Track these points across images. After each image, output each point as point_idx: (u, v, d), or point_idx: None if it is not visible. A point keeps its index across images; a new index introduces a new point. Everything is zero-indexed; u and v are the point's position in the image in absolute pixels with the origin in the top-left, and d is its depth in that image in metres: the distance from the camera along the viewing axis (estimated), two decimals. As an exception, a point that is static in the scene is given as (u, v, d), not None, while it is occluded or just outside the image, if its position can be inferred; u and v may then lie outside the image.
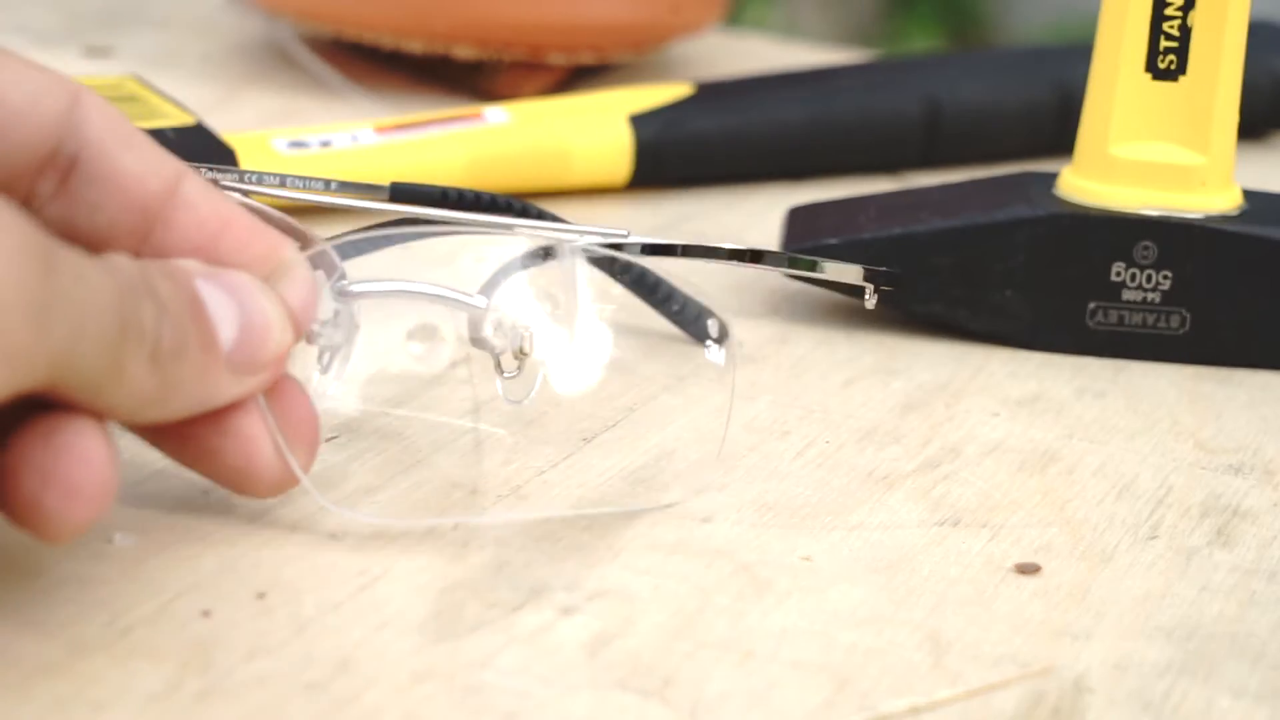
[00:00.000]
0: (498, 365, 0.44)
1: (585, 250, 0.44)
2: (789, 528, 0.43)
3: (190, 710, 0.34)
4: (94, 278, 0.34)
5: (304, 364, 0.41)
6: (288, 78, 0.74)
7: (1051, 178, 0.54)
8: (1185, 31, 0.52)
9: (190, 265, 0.38)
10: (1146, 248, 0.52)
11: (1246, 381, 0.52)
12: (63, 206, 0.38)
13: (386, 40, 0.72)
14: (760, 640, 0.38)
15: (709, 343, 0.45)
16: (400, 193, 0.50)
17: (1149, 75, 0.52)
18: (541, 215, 0.50)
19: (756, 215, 0.63)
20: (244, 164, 0.58)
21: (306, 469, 0.39)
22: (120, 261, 0.36)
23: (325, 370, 0.42)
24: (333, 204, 0.48)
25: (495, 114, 0.64)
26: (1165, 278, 0.53)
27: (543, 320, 0.44)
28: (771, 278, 0.56)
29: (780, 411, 0.49)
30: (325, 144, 0.61)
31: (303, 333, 0.40)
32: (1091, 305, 0.53)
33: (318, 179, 0.48)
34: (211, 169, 0.44)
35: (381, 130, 0.62)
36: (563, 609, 0.39)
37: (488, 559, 0.40)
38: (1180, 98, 0.52)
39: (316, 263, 0.41)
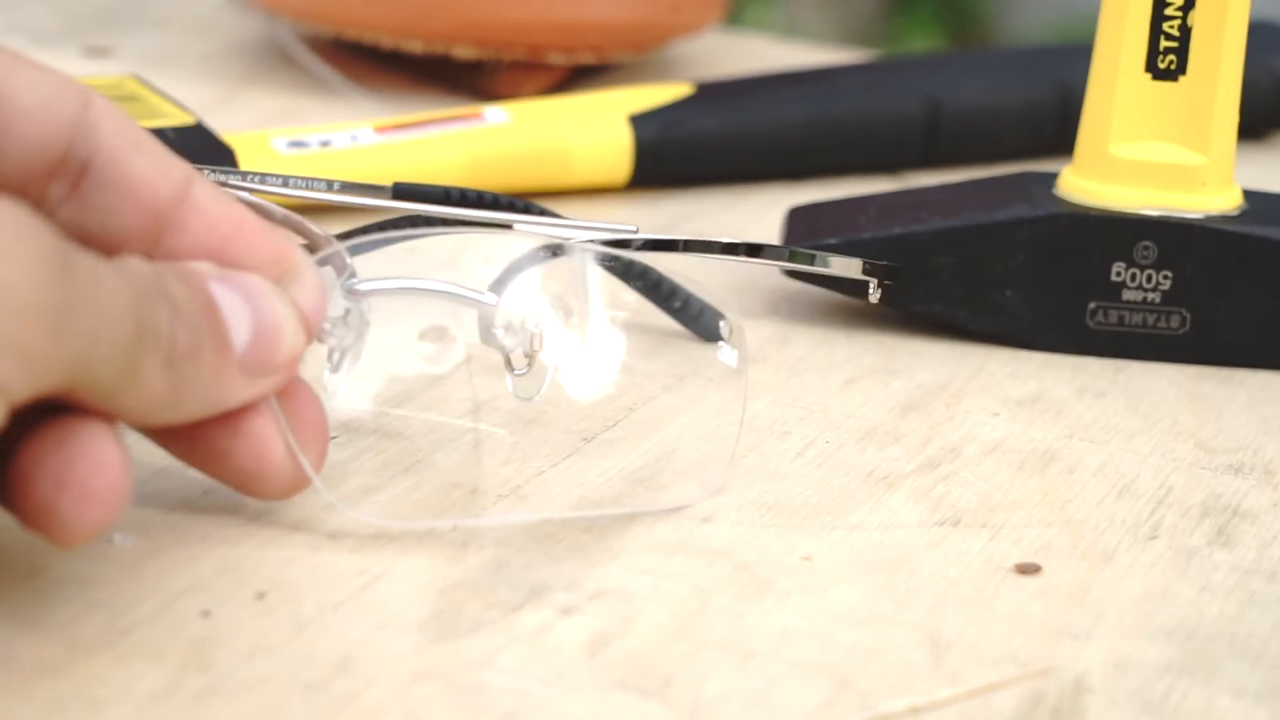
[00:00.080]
0: (508, 363, 0.44)
1: (596, 248, 0.44)
2: (789, 528, 0.43)
3: (190, 710, 0.34)
4: (110, 282, 0.34)
5: (314, 363, 0.42)
6: (288, 78, 0.74)
7: (1051, 178, 0.54)
8: (1185, 31, 0.52)
9: (203, 268, 0.38)
10: (1146, 248, 0.52)
11: (1246, 381, 0.52)
12: (74, 210, 0.39)
13: (386, 40, 0.72)
14: (760, 640, 0.38)
15: (721, 343, 0.45)
16: (402, 193, 0.50)
17: (1149, 75, 0.52)
18: (544, 214, 0.50)
19: (756, 215, 0.63)
20: (244, 164, 0.58)
21: (318, 470, 0.39)
22: (135, 264, 0.36)
23: (335, 369, 0.42)
24: (336, 202, 0.48)
25: (495, 114, 0.64)
26: (1165, 278, 0.53)
27: (552, 318, 0.44)
28: (772, 278, 0.56)
29: (780, 411, 0.49)
30: (325, 144, 0.61)
31: (313, 336, 0.40)
32: (1091, 305, 0.53)
33: (320, 179, 0.48)
34: (214, 170, 0.44)
35: (381, 130, 0.62)
36: (563, 609, 0.39)
37: (488, 559, 0.40)
38: (1180, 98, 0.52)
39: (327, 262, 0.41)
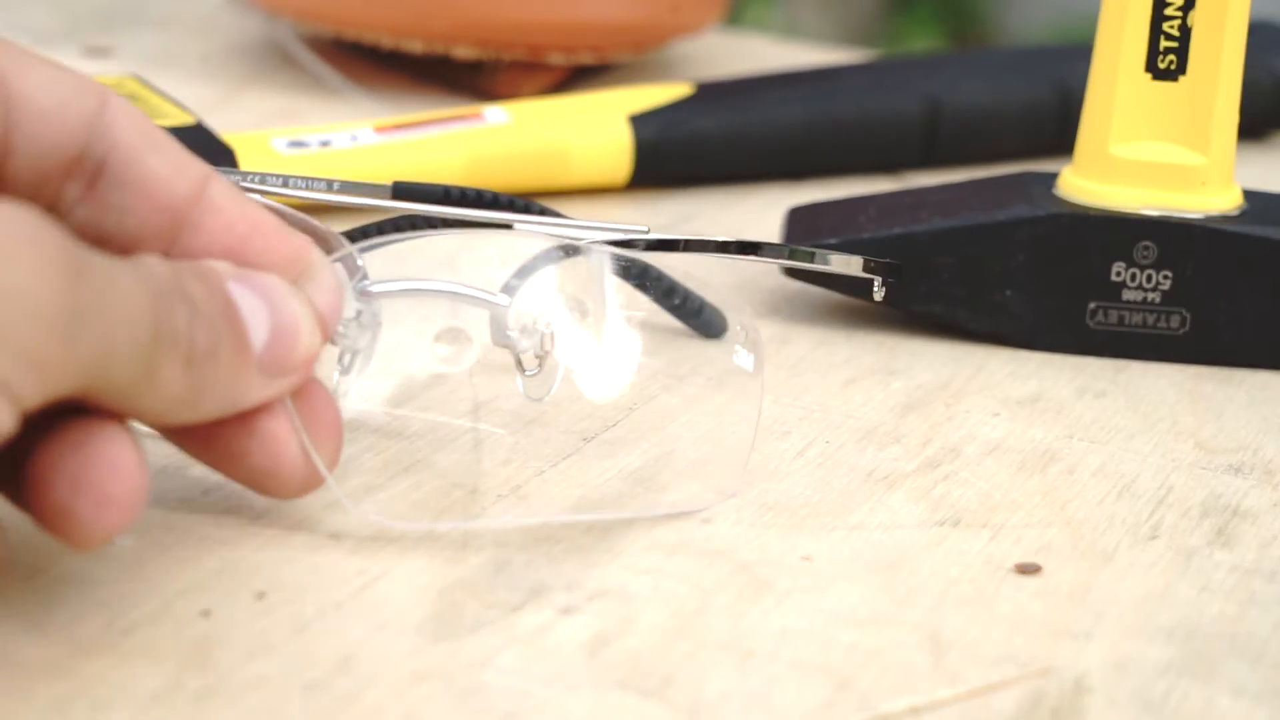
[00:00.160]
0: (519, 364, 0.44)
1: (606, 248, 0.44)
2: (789, 528, 0.43)
3: (190, 710, 0.34)
4: (125, 283, 0.34)
5: (326, 364, 0.42)
6: (288, 78, 0.74)
7: (1051, 178, 0.54)
8: (1185, 31, 0.52)
9: (221, 267, 0.38)
10: (1146, 248, 0.52)
11: (1246, 381, 0.52)
12: (91, 210, 0.38)
13: (386, 40, 0.72)
14: (760, 640, 0.38)
15: (721, 340, 0.45)
16: (402, 192, 0.50)
17: (1149, 75, 0.52)
18: (544, 213, 0.50)
19: (756, 215, 0.63)
20: (244, 164, 0.58)
21: (332, 469, 0.39)
22: (152, 263, 0.36)
23: (346, 371, 0.42)
24: (335, 202, 0.48)
25: (495, 114, 0.64)
26: (1165, 278, 0.53)
27: (563, 319, 0.44)
28: (772, 278, 0.56)
29: (780, 411, 0.49)
30: (325, 144, 0.61)
31: (329, 335, 0.40)
32: (1092, 305, 0.53)
33: (320, 179, 0.48)
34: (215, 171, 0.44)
35: (381, 130, 0.62)
36: (563, 609, 0.39)
37: (487, 559, 0.40)
38: (1180, 98, 0.52)
39: (338, 263, 0.41)
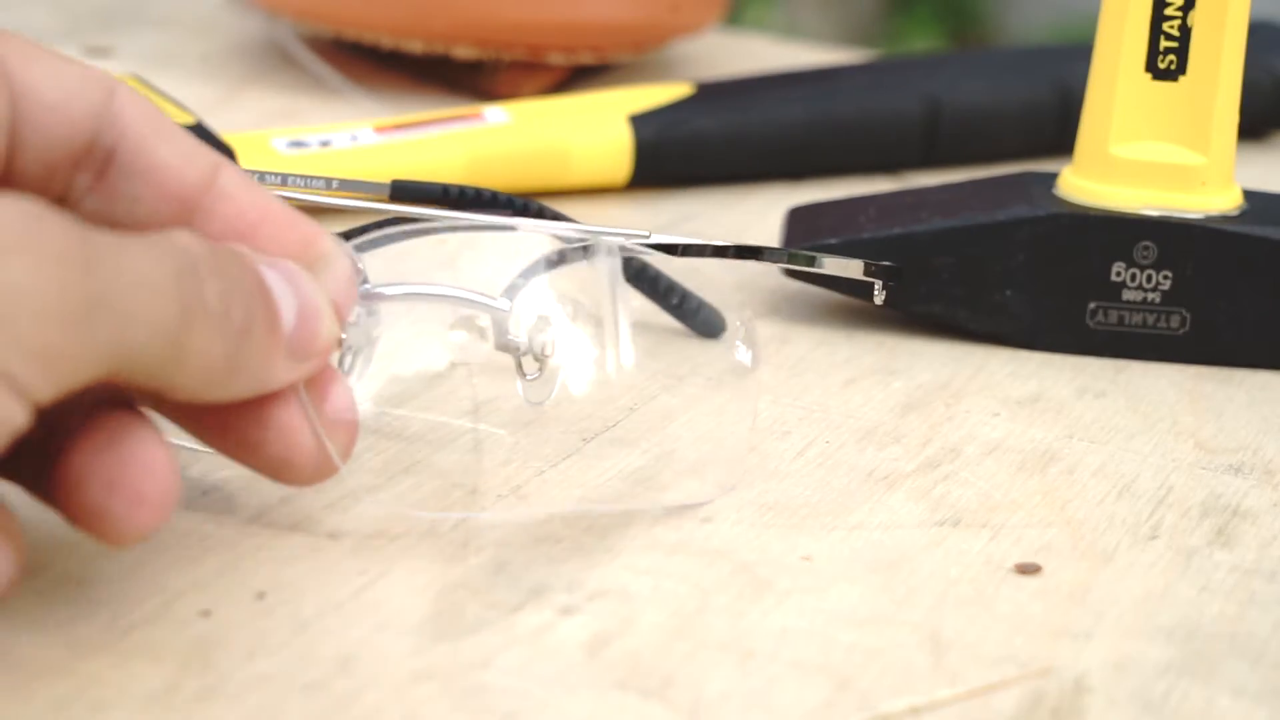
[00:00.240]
0: (520, 368, 0.44)
1: (622, 250, 0.44)
2: (789, 528, 0.43)
3: (190, 710, 0.34)
4: (143, 264, 0.34)
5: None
6: (288, 78, 0.74)
7: (1051, 178, 0.54)
8: (1185, 31, 0.52)
9: (245, 251, 0.38)
10: (1146, 248, 0.52)
11: (1246, 381, 0.52)
12: (100, 200, 0.38)
13: (386, 40, 0.72)
14: (760, 640, 0.38)
15: (721, 339, 0.45)
16: (401, 190, 0.50)
17: (1149, 75, 0.52)
18: (542, 212, 0.50)
19: (756, 215, 0.63)
20: (244, 164, 0.58)
21: (345, 457, 0.39)
22: (183, 239, 0.35)
23: (347, 372, 0.42)
24: (333, 204, 0.48)
25: (495, 114, 0.64)
26: (1165, 278, 0.53)
27: (563, 323, 0.44)
28: (772, 278, 0.56)
29: (780, 411, 0.49)
30: (325, 144, 0.61)
31: (344, 324, 0.40)
32: (1092, 305, 0.53)
33: (318, 177, 0.48)
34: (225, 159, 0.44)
35: (381, 130, 0.62)
36: (563, 609, 0.39)
37: (488, 559, 0.40)
38: (1180, 98, 0.52)
39: None
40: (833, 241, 0.53)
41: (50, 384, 0.33)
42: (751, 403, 0.45)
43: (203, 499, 0.42)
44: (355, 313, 0.42)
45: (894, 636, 0.39)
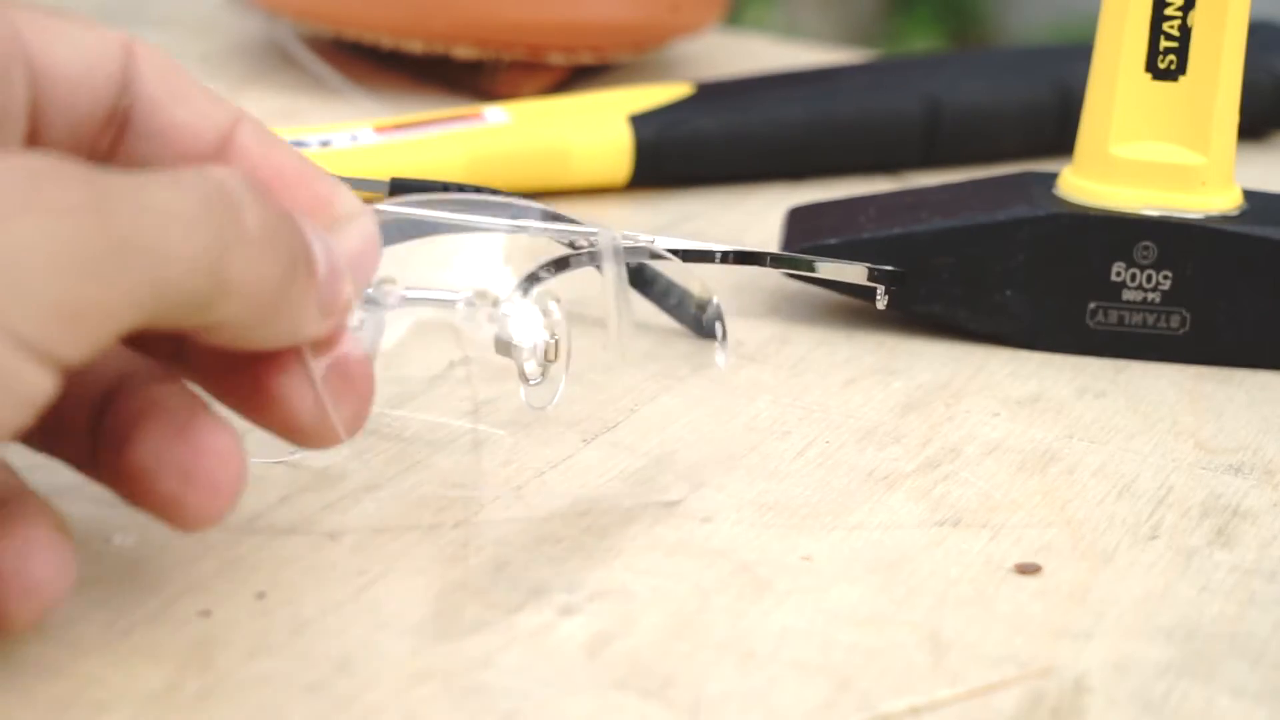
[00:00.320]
0: (522, 374, 0.44)
1: (627, 252, 0.44)
2: (789, 528, 0.43)
3: (190, 710, 0.34)
4: (166, 197, 0.33)
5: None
6: (288, 78, 0.74)
7: (1051, 178, 0.54)
8: (1185, 31, 0.52)
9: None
10: (1146, 248, 0.52)
11: (1246, 381, 0.52)
12: (120, 162, 0.38)
13: (386, 40, 0.72)
14: (760, 640, 0.38)
15: (718, 344, 0.45)
16: (400, 188, 0.50)
17: (1149, 75, 0.52)
18: (545, 213, 0.50)
19: (756, 215, 0.63)
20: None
21: (356, 425, 0.38)
22: (217, 171, 0.34)
23: None
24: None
25: (495, 114, 0.64)
26: (1165, 278, 0.53)
27: (563, 327, 0.44)
28: (771, 278, 0.56)
29: (780, 411, 0.49)
30: (325, 144, 0.61)
31: (367, 282, 0.39)
32: (1091, 305, 0.53)
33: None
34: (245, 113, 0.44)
35: (381, 130, 0.62)
36: (563, 609, 0.39)
37: (488, 559, 0.40)
38: (1180, 98, 0.52)
39: None
40: (833, 241, 0.53)
41: (79, 342, 0.31)
42: (743, 398, 0.45)
43: (203, 499, 0.42)
44: (358, 319, 0.41)
45: (894, 636, 0.39)
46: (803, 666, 0.37)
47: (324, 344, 0.38)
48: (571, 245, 0.46)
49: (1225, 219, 0.53)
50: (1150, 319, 0.53)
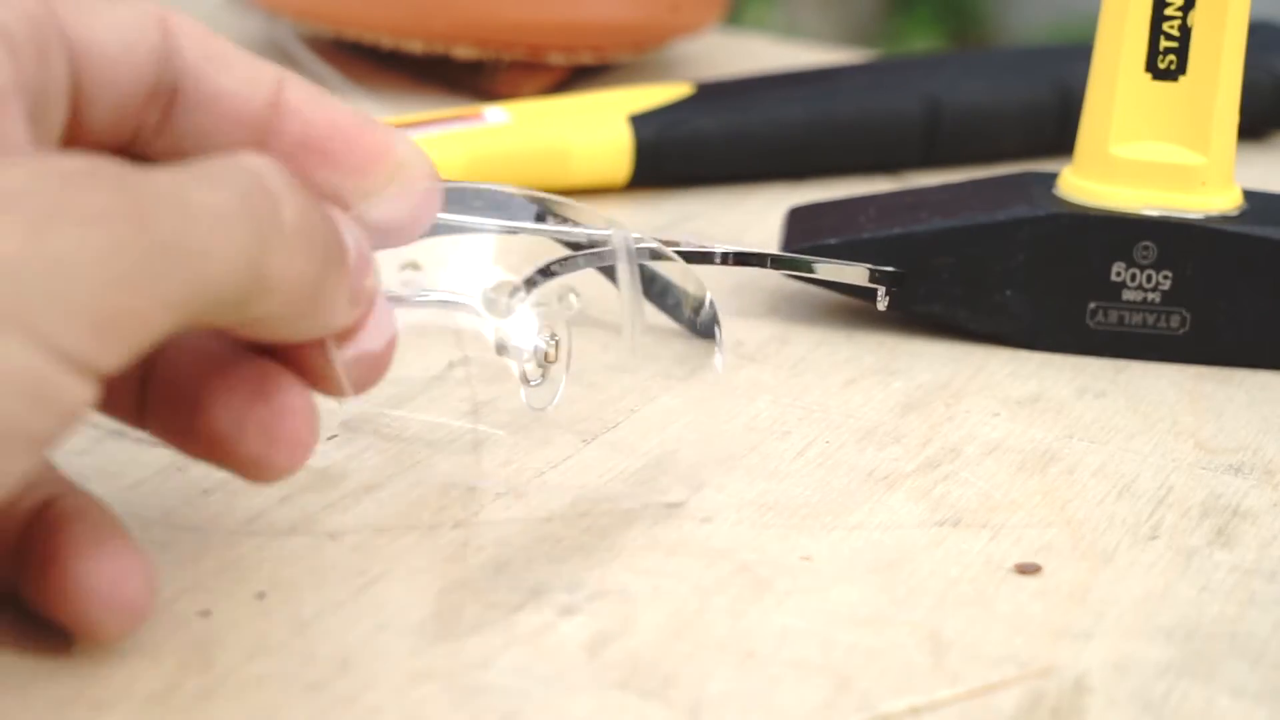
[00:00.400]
0: (522, 375, 0.44)
1: (638, 251, 0.44)
2: (789, 528, 0.43)
3: (190, 710, 0.34)
4: (203, 194, 0.32)
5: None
6: (288, 78, 0.74)
7: (1051, 178, 0.54)
8: (1185, 31, 0.52)
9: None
10: (1146, 248, 0.52)
11: (1246, 381, 0.52)
12: (170, 136, 0.38)
13: (386, 40, 0.72)
14: (760, 640, 0.38)
15: (716, 348, 0.45)
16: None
17: (1149, 75, 0.52)
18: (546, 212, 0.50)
19: (756, 215, 0.63)
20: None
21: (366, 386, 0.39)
22: (250, 160, 0.34)
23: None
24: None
25: (495, 114, 0.64)
26: (1165, 278, 0.53)
27: (566, 329, 0.44)
28: (771, 278, 0.56)
29: (780, 411, 0.49)
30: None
31: (425, 230, 0.39)
32: (1091, 305, 0.53)
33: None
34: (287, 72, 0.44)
35: (381, 130, 0.62)
36: (563, 609, 0.39)
37: (488, 559, 0.40)
38: (1180, 98, 0.52)
39: None
40: (833, 242, 0.53)
41: (118, 351, 0.31)
42: (743, 398, 0.45)
43: (203, 499, 0.42)
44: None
45: (894, 636, 0.39)
46: (803, 666, 0.37)
47: (347, 333, 0.38)
48: (571, 245, 0.46)
49: (1225, 219, 0.53)
50: (1150, 319, 0.53)
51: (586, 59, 0.73)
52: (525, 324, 0.44)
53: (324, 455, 0.44)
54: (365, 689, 0.36)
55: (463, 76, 0.73)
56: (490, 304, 0.44)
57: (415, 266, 0.43)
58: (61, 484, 0.36)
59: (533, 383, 0.44)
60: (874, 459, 0.46)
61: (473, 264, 0.45)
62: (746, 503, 0.44)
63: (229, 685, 0.35)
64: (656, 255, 0.46)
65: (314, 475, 0.43)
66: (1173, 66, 0.52)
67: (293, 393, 0.37)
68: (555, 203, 0.45)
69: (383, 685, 0.36)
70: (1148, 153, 0.53)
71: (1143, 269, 0.53)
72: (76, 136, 0.37)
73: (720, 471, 0.45)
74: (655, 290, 0.52)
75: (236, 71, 0.38)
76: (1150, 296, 0.53)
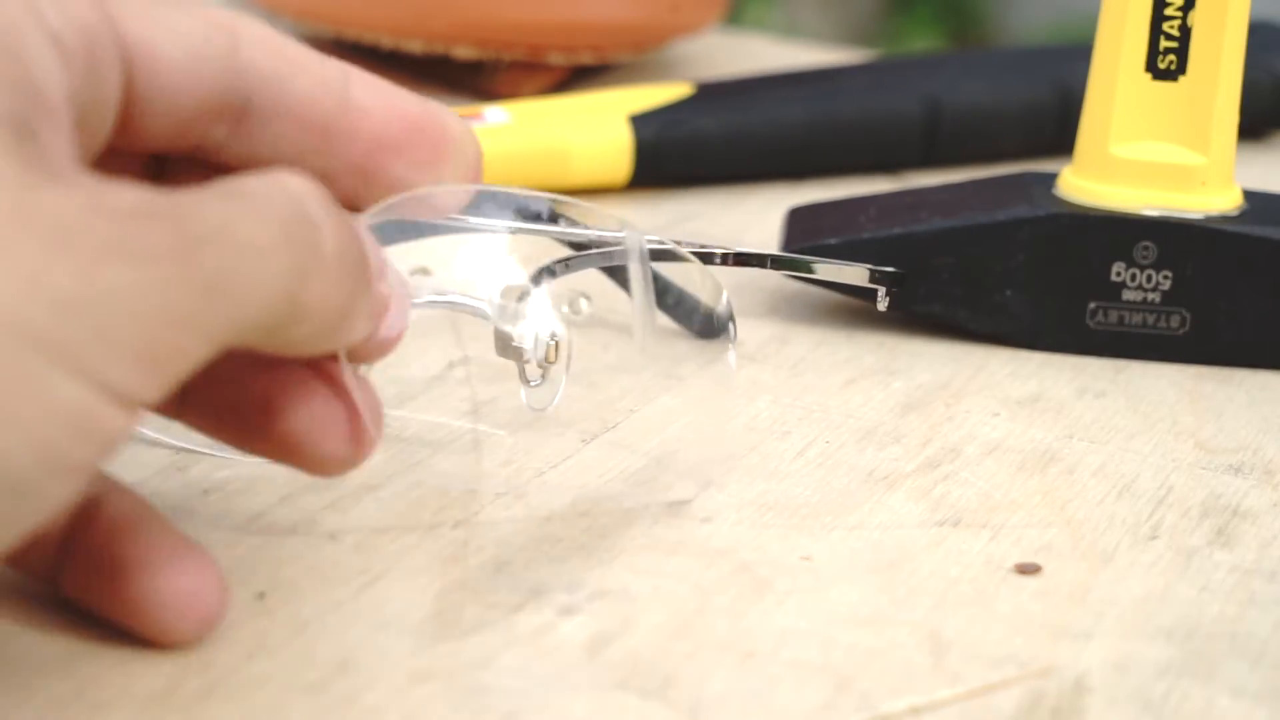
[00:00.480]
0: (523, 376, 0.44)
1: (648, 252, 0.44)
2: (789, 528, 0.43)
3: (190, 710, 0.34)
4: (248, 227, 0.32)
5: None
6: (288, 78, 0.74)
7: (1051, 178, 0.54)
8: (1185, 31, 0.52)
9: None
10: (1146, 248, 0.52)
11: (1246, 381, 0.52)
12: (241, 145, 0.38)
13: (386, 40, 0.72)
14: (760, 640, 0.38)
15: (729, 345, 0.45)
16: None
17: (1149, 75, 0.52)
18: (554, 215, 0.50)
19: (756, 215, 0.63)
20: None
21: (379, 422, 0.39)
22: (292, 183, 0.34)
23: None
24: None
25: (495, 114, 0.64)
26: (1165, 278, 0.53)
27: (566, 330, 0.44)
28: (771, 278, 0.56)
29: (780, 411, 0.49)
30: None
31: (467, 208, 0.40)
32: (1091, 305, 0.53)
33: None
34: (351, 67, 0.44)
35: (381, 130, 0.62)
36: (563, 609, 0.39)
37: (488, 559, 0.40)
38: (1180, 98, 0.52)
39: None
40: (833, 242, 0.53)
41: (158, 382, 0.31)
42: (729, 391, 0.45)
43: (203, 499, 0.42)
44: None
45: (894, 636, 0.39)
46: (803, 666, 0.37)
47: (361, 346, 0.38)
48: (582, 246, 0.46)
49: (1225, 219, 0.53)
50: (1150, 319, 0.53)
51: (586, 59, 0.73)
52: (527, 325, 0.44)
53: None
54: (365, 689, 0.36)
55: (463, 76, 0.73)
56: (502, 309, 0.44)
57: (425, 271, 0.43)
58: (102, 480, 0.37)
59: (533, 383, 0.44)
60: (874, 459, 0.46)
61: (484, 266, 0.45)
62: (746, 503, 0.44)
63: (229, 685, 0.35)
64: (670, 256, 0.46)
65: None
66: (1173, 66, 0.52)
67: (363, 391, 0.38)
68: (566, 204, 0.45)
69: (383, 685, 0.36)
70: (1148, 153, 0.53)
71: (1143, 269, 0.53)
72: (130, 143, 0.37)
73: (720, 471, 0.45)
74: (655, 289, 0.52)
75: (307, 76, 0.38)
76: (1150, 296, 0.53)
